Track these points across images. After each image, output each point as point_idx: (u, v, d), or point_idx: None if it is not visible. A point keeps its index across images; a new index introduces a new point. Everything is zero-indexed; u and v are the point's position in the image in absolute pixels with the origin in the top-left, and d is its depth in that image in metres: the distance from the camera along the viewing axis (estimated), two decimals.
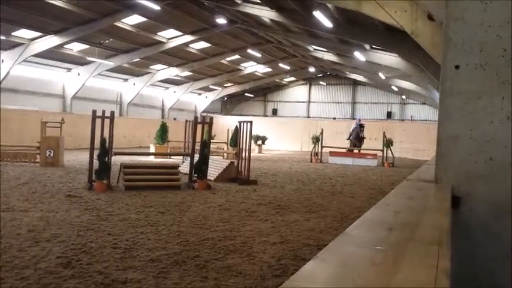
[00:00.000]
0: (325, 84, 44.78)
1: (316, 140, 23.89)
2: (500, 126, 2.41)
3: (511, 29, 2.34)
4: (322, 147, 23.81)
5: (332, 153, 23.66)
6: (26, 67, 26.12)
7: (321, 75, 43.83)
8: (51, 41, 23.38)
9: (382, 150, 22.26)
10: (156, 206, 8.79)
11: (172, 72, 33.76)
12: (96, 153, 10.69)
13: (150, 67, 33.03)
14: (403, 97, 41.17)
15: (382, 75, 29.96)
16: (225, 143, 24.73)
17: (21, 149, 16.91)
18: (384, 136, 22.59)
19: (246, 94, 46.02)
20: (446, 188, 2.38)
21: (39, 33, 23.08)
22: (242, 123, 13.98)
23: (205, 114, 37.28)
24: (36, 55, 24.58)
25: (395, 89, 36.60)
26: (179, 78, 37.06)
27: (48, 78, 28.41)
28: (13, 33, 22.46)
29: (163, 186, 11.06)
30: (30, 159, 16.03)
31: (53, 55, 25.85)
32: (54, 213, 7.66)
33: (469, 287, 2.41)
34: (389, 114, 41.92)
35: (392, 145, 22.44)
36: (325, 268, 0.84)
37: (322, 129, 24.83)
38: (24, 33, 22.85)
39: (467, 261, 2.37)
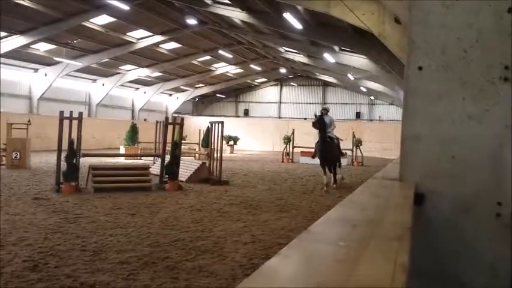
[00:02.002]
0: (296, 85, 45.15)
1: (288, 140, 24.07)
2: (461, 126, 2.49)
3: (473, 31, 2.43)
4: (293, 147, 23.99)
5: (303, 153, 23.85)
6: None
7: (292, 76, 44.17)
8: (17, 40, 22.74)
9: (352, 150, 22.60)
10: (126, 207, 8.68)
11: (142, 72, 33.35)
12: (64, 155, 10.48)
13: (120, 67, 32.54)
14: (372, 98, 41.92)
15: (351, 77, 30.43)
16: (196, 143, 24.60)
17: None
18: (353, 136, 22.94)
19: (218, 95, 45.92)
20: (410, 186, 2.44)
21: (4, 33, 22.44)
22: (214, 124, 13.95)
23: (176, 115, 36.99)
24: (2, 55, 23.85)
25: (364, 90, 37.24)
26: (149, 79, 36.64)
27: (14, 79, 27.62)
28: None
29: (134, 187, 10.93)
30: None
31: (19, 55, 25.15)
32: (21, 216, 7.48)
33: (434, 284, 2.49)
34: (358, 115, 42.61)
35: (361, 145, 22.81)
36: (288, 265, 0.87)
37: (294, 130, 25.02)
38: None
39: (431, 257, 2.44)
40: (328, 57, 24.06)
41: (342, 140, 14.27)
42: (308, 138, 29.88)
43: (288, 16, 16.86)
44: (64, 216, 7.67)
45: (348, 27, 16.63)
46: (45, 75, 28.44)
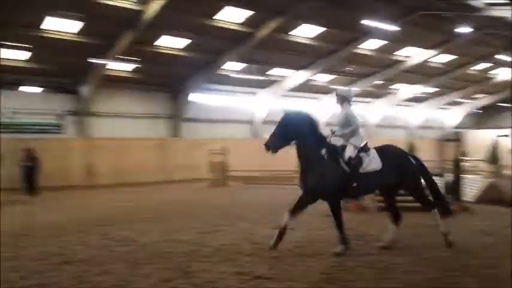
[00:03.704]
0: None
1: None
2: None
3: None
4: None
5: None
6: (280, 101, 29.51)
7: None
8: (301, 75, 26.06)
9: None
10: (408, 227, 8.61)
11: (414, 89, 32.98)
12: None
13: (391, 87, 33.00)
14: None
15: None
16: (482, 160, 22.45)
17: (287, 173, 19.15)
18: None
19: (501, 104, 40.90)
20: None
21: (291, 70, 26.05)
22: (500, 137, 12.58)
23: (455, 130, 34.89)
24: (290, 89, 27.68)
25: None
26: (422, 95, 35.83)
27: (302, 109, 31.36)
28: (267, 72, 26.00)
29: (414, 207, 10.76)
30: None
31: (303, 88, 28.51)
32: (315, 231, 8.46)
33: None
34: None
35: None
36: None
37: None
38: (276, 71, 26.16)
39: None
40: None
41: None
42: None
43: None
44: (351, 233, 8.17)
45: None
46: (325, 104, 31.22)
